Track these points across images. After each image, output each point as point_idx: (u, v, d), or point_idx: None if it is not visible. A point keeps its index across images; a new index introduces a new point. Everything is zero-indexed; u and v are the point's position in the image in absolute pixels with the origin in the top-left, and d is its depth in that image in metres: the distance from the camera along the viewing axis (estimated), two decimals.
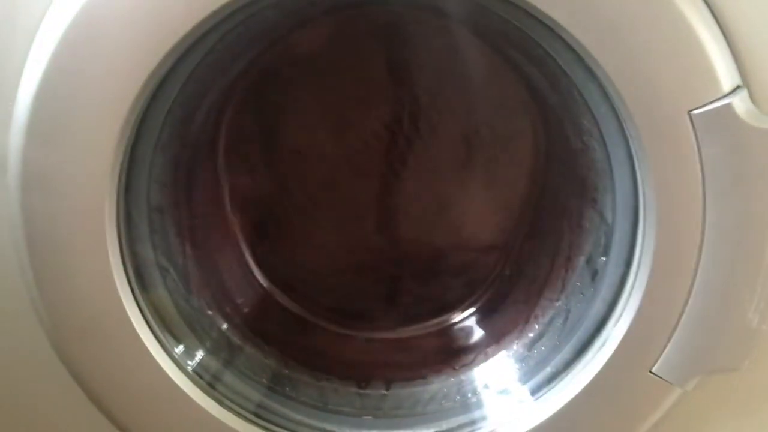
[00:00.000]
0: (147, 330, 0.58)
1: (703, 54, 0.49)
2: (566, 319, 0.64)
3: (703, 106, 0.49)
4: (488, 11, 0.56)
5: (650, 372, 0.55)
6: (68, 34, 0.51)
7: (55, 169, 0.53)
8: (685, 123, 0.50)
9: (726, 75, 0.49)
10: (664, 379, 0.55)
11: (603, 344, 0.57)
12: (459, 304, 0.78)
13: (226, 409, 0.61)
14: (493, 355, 0.70)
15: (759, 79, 0.51)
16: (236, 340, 0.70)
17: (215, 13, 0.50)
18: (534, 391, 0.62)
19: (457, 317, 0.78)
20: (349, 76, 0.75)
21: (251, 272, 0.78)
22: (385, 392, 0.69)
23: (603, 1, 0.48)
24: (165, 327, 0.61)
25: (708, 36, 0.49)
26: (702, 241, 0.52)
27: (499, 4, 0.52)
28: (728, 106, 0.49)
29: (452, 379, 0.69)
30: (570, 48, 0.51)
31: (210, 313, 0.69)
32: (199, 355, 0.64)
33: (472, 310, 0.78)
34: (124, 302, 0.56)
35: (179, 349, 0.61)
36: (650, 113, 0.50)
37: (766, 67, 0.51)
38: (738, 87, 0.50)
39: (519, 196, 0.77)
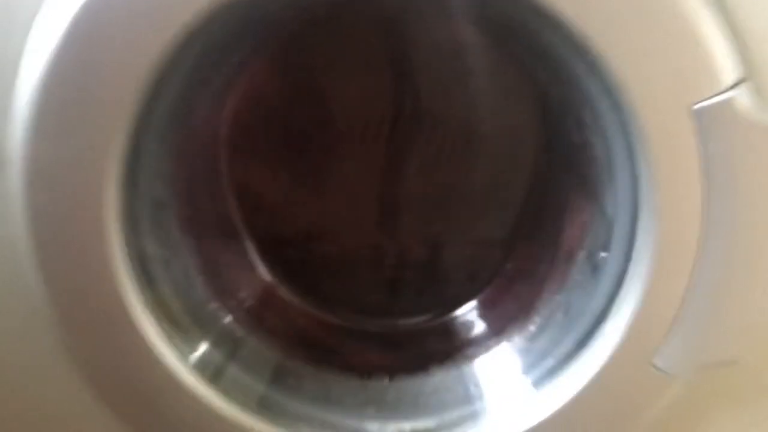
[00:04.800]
0: (149, 323, 0.58)
1: (706, 48, 0.49)
2: (567, 312, 0.64)
3: (705, 100, 0.49)
4: (490, 3, 0.56)
5: (651, 364, 0.55)
6: (71, 27, 0.51)
7: (58, 163, 0.53)
8: (687, 117, 0.50)
9: (728, 69, 0.49)
10: (664, 372, 0.55)
11: (604, 337, 0.57)
12: (460, 298, 0.78)
13: (229, 401, 0.61)
14: (494, 347, 0.70)
15: (762, 73, 0.51)
16: (239, 332, 0.70)
17: (217, 3, 0.50)
18: (535, 384, 0.62)
19: (458, 310, 0.78)
20: (350, 69, 0.75)
21: (254, 265, 0.78)
22: (387, 384, 0.69)
23: None
24: (167, 320, 0.61)
25: (710, 29, 0.49)
26: (702, 234, 0.52)
27: (506, 14, 0.52)
28: (730, 100, 0.49)
29: (454, 371, 0.69)
30: (571, 40, 0.51)
31: (213, 306, 0.69)
32: (202, 348, 0.64)
33: (473, 303, 0.78)
34: (128, 296, 0.57)
35: (182, 342, 0.61)
36: (652, 107, 0.50)
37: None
38: (740, 81, 0.50)
39: (520, 191, 0.77)
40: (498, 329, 0.72)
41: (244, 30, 0.61)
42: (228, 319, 0.70)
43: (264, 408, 0.63)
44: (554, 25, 0.50)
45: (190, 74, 0.57)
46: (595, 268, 0.62)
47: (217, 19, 0.52)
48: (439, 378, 0.69)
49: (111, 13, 0.50)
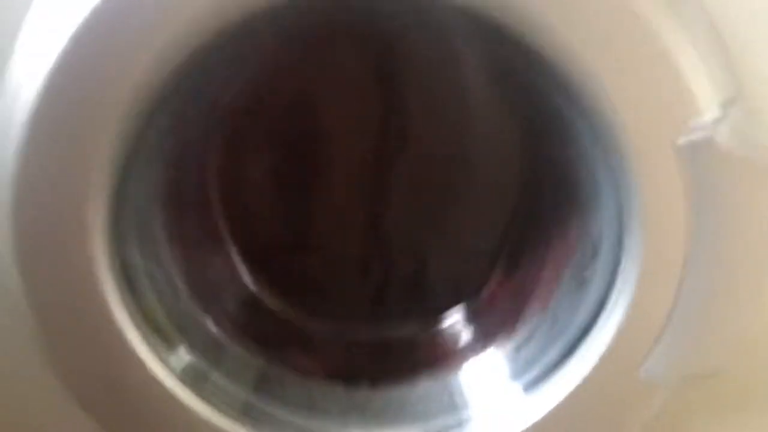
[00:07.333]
0: (134, 332, 0.58)
1: (688, 83, 0.50)
2: (553, 323, 0.65)
3: (689, 134, 0.50)
4: (473, 42, 0.56)
5: (636, 375, 0.56)
6: (68, 45, 0.50)
7: (44, 176, 0.53)
8: (671, 150, 0.51)
9: (710, 104, 0.51)
10: (650, 382, 0.56)
11: (590, 348, 0.58)
12: (447, 308, 0.79)
13: (213, 408, 0.61)
14: (480, 356, 0.71)
15: (742, 108, 0.52)
16: (223, 340, 0.70)
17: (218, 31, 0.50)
18: (521, 392, 0.63)
19: (444, 321, 0.79)
20: (338, 84, 0.74)
21: (239, 274, 0.78)
22: (372, 392, 0.69)
23: (586, 27, 0.49)
24: (151, 328, 0.61)
25: (693, 65, 0.50)
26: (687, 249, 0.53)
27: (491, 44, 0.52)
28: (713, 134, 0.50)
29: (440, 380, 0.70)
30: (554, 77, 0.52)
31: (197, 314, 0.69)
32: (186, 355, 0.64)
33: (459, 314, 0.79)
34: (112, 305, 0.56)
35: (166, 349, 0.61)
36: (636, 141, 0.51)
37: (750, 95, 0.52)
38: (722, 116, 0.51)
39: (507, 205, 0.77)
40: (484, 339, 0.72)
41: (235, 51, 0.60)
42: (212, 327, 0.70)
43: (247, 415, 0.63)
44: (538, 62, 0.51)
45: (182, 90, 0.57)
46: (581, 283, 0.63)
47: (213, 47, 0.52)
48: (424, 387, 0.69)
49: (106, 31, 0.50)
